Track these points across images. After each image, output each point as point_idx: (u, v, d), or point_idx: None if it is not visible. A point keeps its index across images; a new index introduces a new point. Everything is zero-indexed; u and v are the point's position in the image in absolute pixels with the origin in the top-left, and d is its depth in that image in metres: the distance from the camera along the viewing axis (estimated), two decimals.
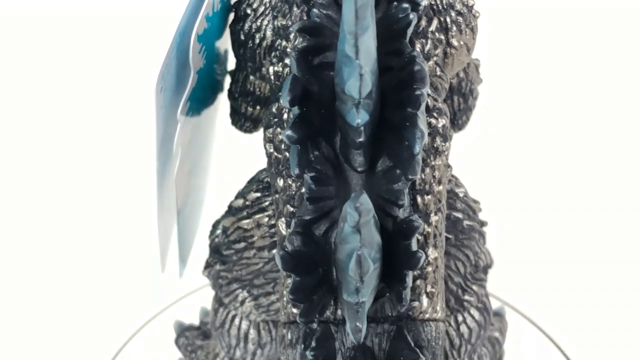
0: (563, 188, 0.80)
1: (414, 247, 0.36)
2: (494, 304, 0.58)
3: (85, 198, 0.80)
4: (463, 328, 0.50)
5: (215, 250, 0.49)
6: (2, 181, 0.82)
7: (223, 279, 0.49)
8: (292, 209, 0.40)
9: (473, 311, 0.50)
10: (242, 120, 0.47)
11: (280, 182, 0.41)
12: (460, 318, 0.49)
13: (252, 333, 0.50)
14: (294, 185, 0.40)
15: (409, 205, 0.40)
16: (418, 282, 0.40)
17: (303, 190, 0.39)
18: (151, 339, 0.61)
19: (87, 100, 0.87)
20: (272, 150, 0.42)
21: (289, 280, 0.39)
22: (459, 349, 0.50)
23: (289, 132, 0.35)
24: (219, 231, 0.49)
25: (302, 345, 0.40)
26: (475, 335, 0.50)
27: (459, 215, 0.46)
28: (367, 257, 0.33)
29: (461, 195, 0.46)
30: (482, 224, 0.48)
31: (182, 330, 0.57)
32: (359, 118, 0.33)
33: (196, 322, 0.59)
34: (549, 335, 0.60)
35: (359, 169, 0.37)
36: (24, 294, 0.71)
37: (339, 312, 0.39)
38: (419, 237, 0.40)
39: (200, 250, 0.54)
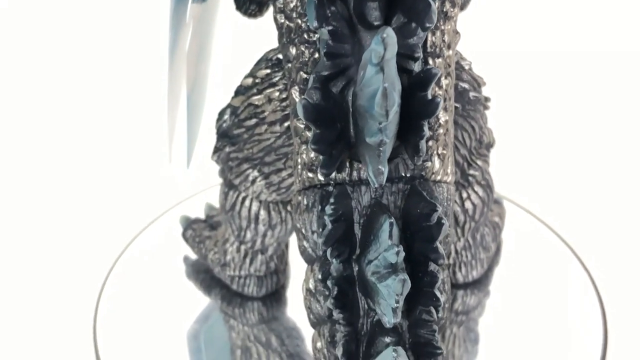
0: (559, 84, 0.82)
1: (430, 96, 0.37)
2: None
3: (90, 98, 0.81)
4: (467, 204, 0.51)
5: (223, 134, 0.50)
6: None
7: (233, 160, 0.50)
8: (305, 75, 0.41)
9: (477, 188, 0.51)
10: (247, 3, 0.48)
11: (293, 51, 0.42)
12: (464, 194, 0.51)
13: (263, 214, 0.51)
14: (307, 51, 0.41)
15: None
16: (430, 143, 0.42)
17: (316, 55, 0.40)
18: (156, 239, 0.62)
19: None
20: (283, 20, 0.42)
21: (309, 133, 0.40)
22: (462, 226, 0.52)
23: None
24: (226, 115, 0.50)
25: (320, 207, 0.41)
26: (479, 212, 0.52)
27: (466, 85, 0.47)
28: (392, 91, 0.34)
29: (466, 67, 0.47)
30: (487, 99, 0.49)
31: (189, 224, 0.58)
32: None
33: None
34: (544, 220, 0.62)
35: (375, 23, 0.38)
36: (31, 201, 0.71)
37: (354, 173, 0.40)
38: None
39: (205, 149, 0.55)
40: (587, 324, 0.53)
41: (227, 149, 0.50)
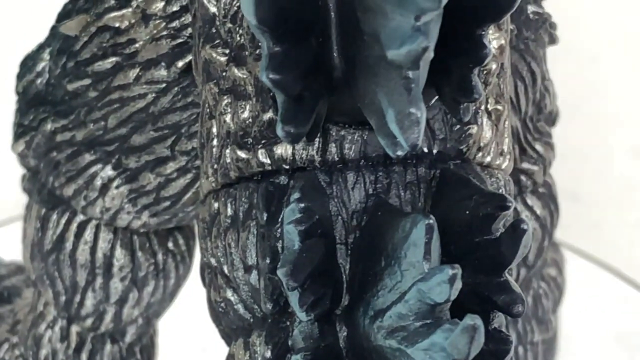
0: None
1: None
2: None
3: None
4: None
5: (37, 99, 0.29)
6: None
7: (60, 147, 0.28)
8: None
9: (531, 199, 0.31)
10: None
11: None
12: None
13: (119, 256, 0.30)
14: None
15: None
16: None
17: None
18: None
19: None
20: None
21: (243, 74, 0.23)
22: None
23: None
24: (43, 62, 0.29)
25: (265, 214, 0.22)
26: (536, 249, 0.31)
27: None
28: None
29: None
30: (552, 24, 0.30)
31: None
32: None
33: None
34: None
35: None
36: None
37: (332, 147, 0.23)
38: None
39: None
40: None
41: (49, 126, 0.29)
